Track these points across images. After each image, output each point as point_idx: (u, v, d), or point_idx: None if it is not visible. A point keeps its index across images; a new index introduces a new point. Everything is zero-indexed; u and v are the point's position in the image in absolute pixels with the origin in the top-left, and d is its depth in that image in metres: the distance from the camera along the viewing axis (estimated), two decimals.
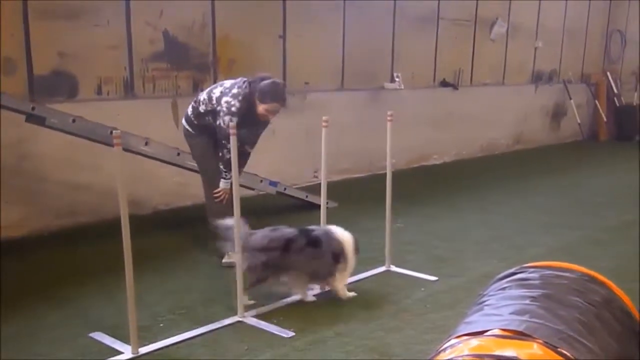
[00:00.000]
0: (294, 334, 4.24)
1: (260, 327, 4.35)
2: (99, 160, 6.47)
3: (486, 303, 2.18)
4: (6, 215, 6.09)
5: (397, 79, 9.97)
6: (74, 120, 5.68)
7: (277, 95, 5.45)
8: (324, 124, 4.84)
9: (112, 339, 4.15)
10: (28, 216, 6.35)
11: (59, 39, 6.44)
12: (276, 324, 4.37)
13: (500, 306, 2.10)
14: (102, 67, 6.82)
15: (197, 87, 7.49)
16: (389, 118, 5.19)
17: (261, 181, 7.09)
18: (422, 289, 5.06)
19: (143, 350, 4.00)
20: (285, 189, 7.37)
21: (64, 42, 6.48)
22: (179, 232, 6.56)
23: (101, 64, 6.80)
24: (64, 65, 6.53)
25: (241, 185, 6.45)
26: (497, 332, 1.92)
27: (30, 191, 6.38)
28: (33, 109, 5.50)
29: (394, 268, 5.46)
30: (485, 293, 2.30)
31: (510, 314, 2.02)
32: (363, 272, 5.35)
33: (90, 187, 6.71)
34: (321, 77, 9.10)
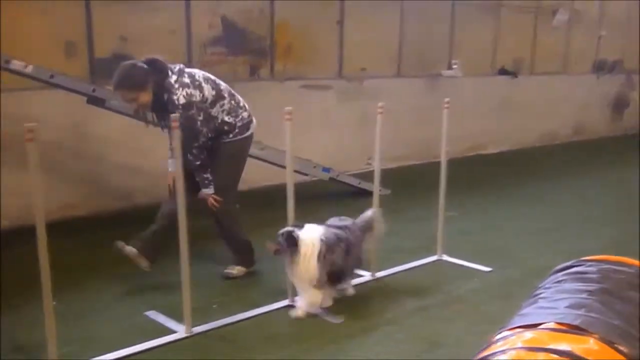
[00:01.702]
0: (343, 320, 4.24)
1: (311, 313, 4.37)
2: (154, 143, 6.57)
3: (541, 296, 2.14)
4: (67, 195, 6.27)
5: (454, 66, 9.84)
6: None
7: (114, 81, 4.59)
8: (379, 110, 4.80)
9: (167, 318, 4.24)
10: (87, 197, 6.52)
11: (120, 23, 6.58)
12: (326, 310, 4.38)
13: (556, 299, 2.06)
14: (160, 51, 6.85)
15: (254, 72, 7.54)
16: (445, 105, 5.13)
17: (314, 167, 7.10)
18: (475, 280, 5.00)
19: (196, 329, 4.07)
20: (338, 175, 7.38)
21: (125, 26, 6.62)
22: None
23: (160, 48, 6.82)
24: (124, 49, 6.66)
25: (295, 171, 6.49)
26: (551, 325, 1.89)
27: (89, 173, 6.54)
28: (94, 90, 5.63)
29: (446, 257, 5.41)
30: (541, 286, 2.25)
31: (566, 307, 1.98)
32: (414, 260, 5.32)
33: (145, 169, 6.83)
34: (378, 63, 9.05)
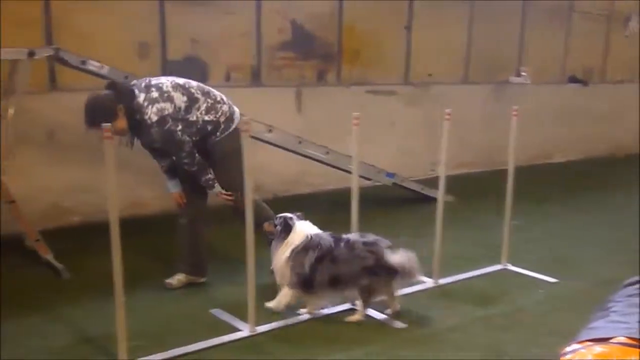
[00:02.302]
0: (406, 325, 4.24)
1: (373, 316, 4.38)
2: None
3: (612, 309, 2.11)
4: (138, 193, 6.47)
5: (523, 73, 9.70)
6: None
7: (85, 120, 4.38)
8: (446, 116, 4.78)
9: (231, 316, 4.32)
10: (158, 196, 6.69)
11: (192, 25, 6.75)
12: (388, 315, 4.39)
13: (627, 313, 2.03)
14: (231, 55, 7.07)
15: (321, 77, 7.61)
16: (514, 113, 5.07)
17: (378, 172, 7.11)
18: (541, 290, 4.93)
19: (260, 329, 4.14)
20: (401, 181, 7.37)
21: (197, 29, 6.78)
22: None
23: (230, 52, 7.05)
24: (195, 52, 6.83)
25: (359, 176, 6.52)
26: (622, 340, 1.87)
27: (159, 172, 6.71)
28: None
29: (510, 267, 5.35)
30: (611, 299, 2.22)
31: (638, 322, 1.95)
32: (478, 269, 5.28)
33: None
34: (445, 69, 9.00)
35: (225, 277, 4.99)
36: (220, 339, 4.01)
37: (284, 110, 7.24)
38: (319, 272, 4.19)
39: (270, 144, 6.29)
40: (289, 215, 4.38)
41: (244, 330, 4.13)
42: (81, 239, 5.87)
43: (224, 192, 4.69)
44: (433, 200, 7.06)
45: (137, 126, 4.42)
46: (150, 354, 3.79)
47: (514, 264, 5.37)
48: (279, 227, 4.32)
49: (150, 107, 4.36)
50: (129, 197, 6.34)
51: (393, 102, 8.45)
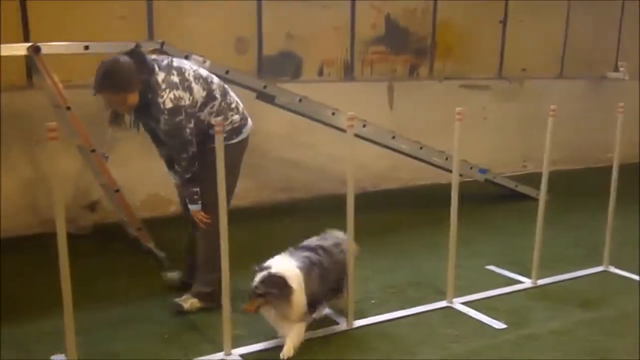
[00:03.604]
0: (505, 326, 4.17)
1: (470, 315, 4.33)
2: (315, 140, 6.80)
3: None
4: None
5: (621, 69, 9.34)
6: (300, 100, 5.97)
7: (96, 81, 3.92)
8: (551, 113, 4.67)
9: (330, 310, 4.31)
10: (250, 188, 6.81)
11: (288, 20, 6.82)
12: (486, 314, 4.32)
13: None
14: (325, 49, 7.09)
15: (413, 72, 7.56)
16: (619, 110, 4.90)
17: (471, 168, 7.00)
18: None
19: (357, 323, 4.15)
20: (494, 177, 7.23)
21: (293, 23, 6.84)
22: (387, 213, 6.69)
23: (324, 46, 7.08)
24: (290, 46, 6.89)
25: (450, 171, 6.43)
26: None
27: (253, 166, 6.83)
28: (265, 87, 5.85)
29: (613, 269, 5.17)
30: None
31: None
32: (577, 270, 5.13)
33: (306, 164, 7.05)
34: (540, 63, 8.77)
35: None
36: (320, 331, 4.04)
37: (376, 105, 7.22)
38: (324, 288, 3.96)
39: (364, 138, 6.28)
40: (264, 274, 3.71)
41: (342, 325, 4.15)
42: (178, 229, 6.02)
43: (203, 214, 4.19)
44: (525, 197, 6.96)
45: (145, 107, 3.97)
46: (250, 344, 3.87)
47: (616, 266, 5.18)
48: (274, 291, 3.66)
49: (167, 91, 3.88)
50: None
51: (486, 97, 8.30)
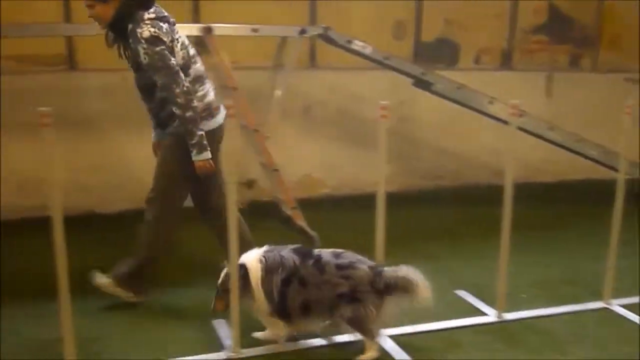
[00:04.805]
0: None
1: (630, 318, 4.14)
2: (466, 128, 6.72)
3: None
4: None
5: None
6: (458, 88, 5.92)
7: None
8: None
9: (477, 300, 4.33)
10: (397, 173, 6.85)
11: (447, 6, 6.77)
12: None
13: None
14: (483, 37, 6.98)
15: (574, 62, 7.27)
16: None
17: (632, 165, 6.60)
18: None
19: (507, 316, 4.09)
20: None
21: (452, 10, 6.79)
22: (539, 207, 6.50)
23: (482, 34, 6.98)
24: (447, 33, 6.85)
25: (601, 164, 6.13)
26: None
27: (402, 152, 6.87)
28: (423, 73, 5.86)
29: None
30: None
31: None
32: None
33: (455, 152, 7.00)
34: None
35: (470, 258, 4.99)
36: (466, 321, 4.03)
37: (533, 95, 7.00)
38: (289, 295, 3.54)
39: (521, 129, 6.12)
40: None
41: (490, 315, 4.10)
42: (328, 211, 6.19)
43: (212, 162, 3.93)
44: None
45: (125, 37, 3.83)
46: (398, 326, 3.87)
47: None
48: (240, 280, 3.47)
49: (149, 26, 3.74)
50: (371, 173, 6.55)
51: None
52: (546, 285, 4.67)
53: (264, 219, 5.87)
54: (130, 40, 3.78)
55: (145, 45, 3.71)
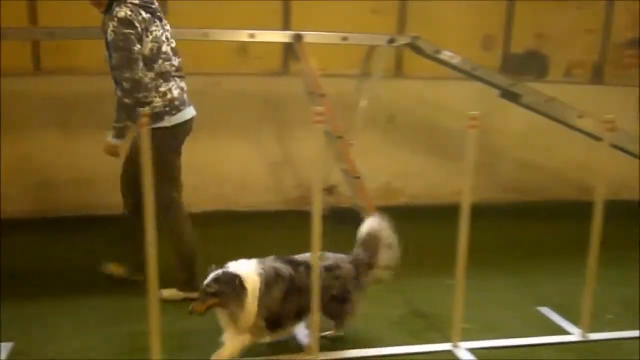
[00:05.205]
0: None
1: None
2: (551, 142, 6.60)
3: None
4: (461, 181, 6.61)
5: None
6: (546, 100, 5.81)
7: None
8: None
9: (560, 317, 4.22)
10: (479, 185, 6.74)
11: (539, 20, 6.68)
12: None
13: None
14: (574, 50, 6.85)
15: None
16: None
17: None
18: None
19: (592, 336, 3.97)
20: None
21: (543, 23, 6.68)
22: (625, 225, 6.27)
23: (574, 47, 6.84)
24: (538, 46, 6.75)
25: None
26: None
27: (484, 163, 6.77)
28: (511, 85, 5.78)
29: None
30: None
31: None
32: None
33: (541, 167, 6.85)
34: None
35: (553, 275, 4.89)
36: (548, 339, 3.94)
37: (625, 110, 6.77)
38: (287, 307, 3.49)
39: (614, 146, 5.94)
40: (220, 271, 3.38)
41: (575, 334, 4.00)
42: (407, 220, 6.14)
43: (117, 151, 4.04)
44: None
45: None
46: (478, 339, 3.87)
47: None
48: (227, 290, 3.32)
49: (129, 8, 3.85)
50: (452, 184, 6.50)
51: None
52: (633, 306, 4.50)
53: (343, 225, 5.91)
54: (107, 17, 3.91)
55: (115, 24, 3.81)
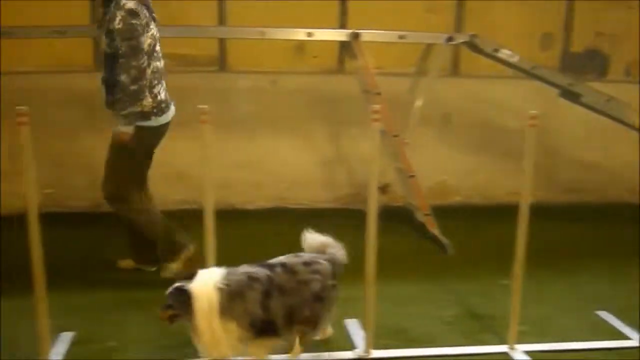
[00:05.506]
0: None
1: None
2: (609, 142, 6.47)
3: None
4: (516, 182, 6.52)
5: None
6: (607, 100, 5.70)
7: None
8: None
9: (619, 322, 4.13)
10: (536, 185, 6.61)
11: (599, 18, 6.55)
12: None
13: None
14: (635, 50, 6.68)
15: None
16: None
17: None
18: None
19: None
20: None
21: (603, 22, 6.55)
22: None
23: (635, 46, 6.67)
24: (598, 45, 6.61)
25: None
26: None
27: (540, 163, 6.66)
28: (571, 85, 5.69)
29: None
30: None
31: None
32: None
33: (599, 167, 6.72)
34: None
35: (612, 279, 4.80)
36: (607, 343, 3.85)
37: None
38: (271, 307, 3.30)
39: None
40: (177, 285, 3.24)
41: (634, 340, 3.91)
42: (461, 219, 6.11)
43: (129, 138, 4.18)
44: None
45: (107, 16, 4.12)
46: (534, 342, 3.82)
47: None
48: (176, 305, 3.22)
49: (133, 1, 4.04)
50: (509, 185, 6.42)
51: None
52: None
53: (397, 224, 5.93)
54: (113, 5, 4.05)
55: (124, 14, 3.97)
